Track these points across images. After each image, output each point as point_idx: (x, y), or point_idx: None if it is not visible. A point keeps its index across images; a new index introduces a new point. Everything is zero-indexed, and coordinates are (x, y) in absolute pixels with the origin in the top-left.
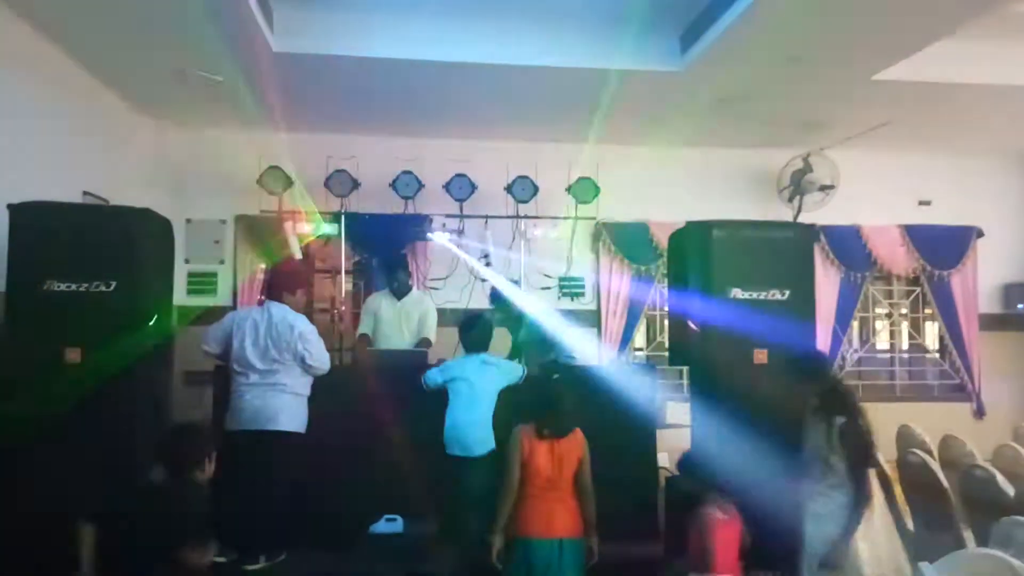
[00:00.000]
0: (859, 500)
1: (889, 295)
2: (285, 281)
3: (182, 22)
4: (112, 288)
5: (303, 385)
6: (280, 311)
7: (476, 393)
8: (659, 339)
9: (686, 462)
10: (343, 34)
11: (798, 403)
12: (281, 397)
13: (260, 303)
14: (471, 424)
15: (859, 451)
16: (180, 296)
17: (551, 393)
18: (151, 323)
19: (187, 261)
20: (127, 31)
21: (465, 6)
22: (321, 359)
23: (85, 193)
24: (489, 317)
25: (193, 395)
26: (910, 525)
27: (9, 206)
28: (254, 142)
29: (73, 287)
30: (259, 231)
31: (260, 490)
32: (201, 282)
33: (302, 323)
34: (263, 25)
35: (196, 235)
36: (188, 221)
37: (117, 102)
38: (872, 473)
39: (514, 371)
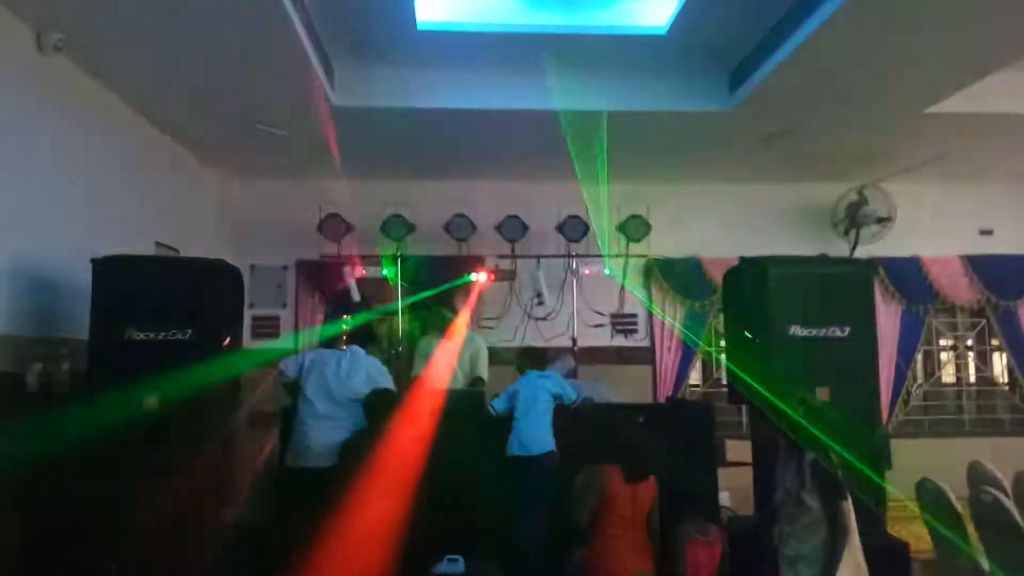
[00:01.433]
0: (837, 536)
1: (953, 327)
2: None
3: (249, 80)
4: (188, 336)
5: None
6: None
7: (536, 398)
8: (715, 375)
9: None
10: (398, 87)
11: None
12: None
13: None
14: (530, 424)
15: (832, 485)
16: (245, 339)
17: (636, 437)
18: (223, 368)
19: (251, 305)
20: (196, 88)
21: (516, 57)
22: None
23: (158, 244)
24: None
25: (258, 435)
26: (985, 566)
27: (92, 260)
28: (313, 190)
29: (151, 335)
30: (319, 275)
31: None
32: (265, 326)
33: (374, 364)
34: (324, 81)
35: (260, 281)
36: (252, 267)
37: (186, 156)
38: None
39: (566, 384)
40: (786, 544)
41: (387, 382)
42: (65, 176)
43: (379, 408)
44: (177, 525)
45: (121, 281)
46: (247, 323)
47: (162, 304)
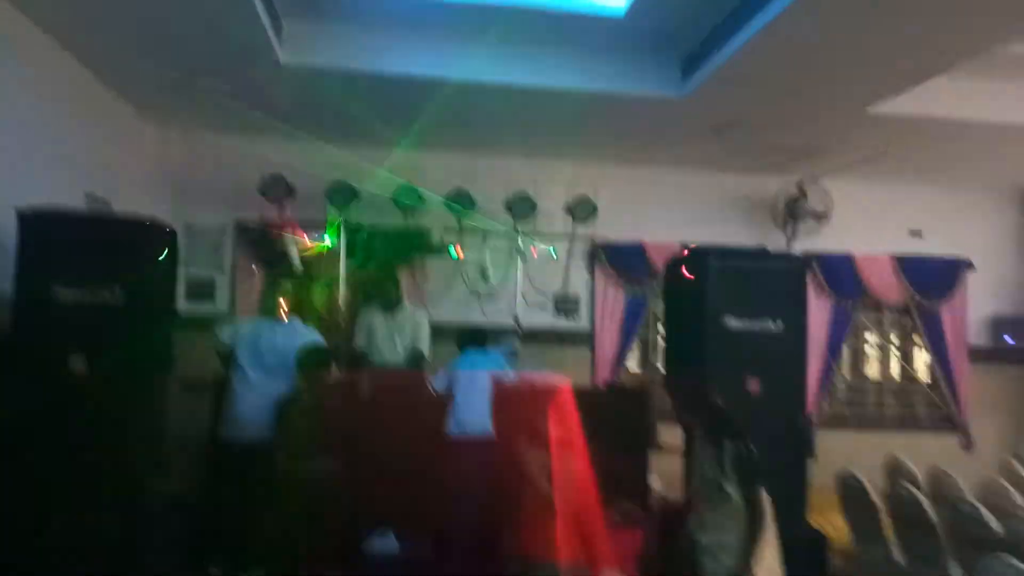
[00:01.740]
0: (758, 525)
1: (879, 324)
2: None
3: (191, 30)
4: (118, 296)
5: None
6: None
7: (474, 377)
8: (652, 360)
9: None
10: (348, 48)
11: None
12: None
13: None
14: (470, 404)
15: (751, 474)
16: (180, 302)
17: None
18: (154, 331)
19: (186, 266)
20: (135, 37)
21: (469, 26)
22: None
23: (88, 195)
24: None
25: (190, 402)
26: (898, 558)
27: (18, 212)
28: (257, 150)
29: (80, 295)
30: (259, 240)
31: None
32: (200, 289)
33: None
34: (272, 37)
35: (196, 241)
36: (188, 226)
37: (123, 107)
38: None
39: (505, 365)
40: (705, 532)
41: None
42: None
43: (310, 364)
44: (105, 495)
45: (50, 235)
46: (181, 286)
47: (93, 262)
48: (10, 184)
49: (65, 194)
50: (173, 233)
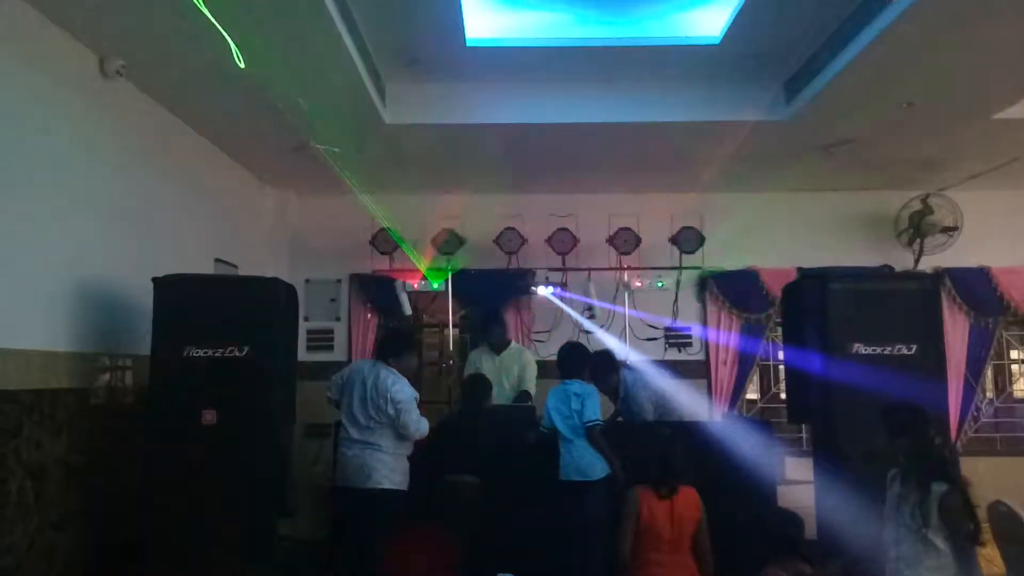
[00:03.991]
0: None
1: None
2: (391, 346)
3: (303, 99)
4: (244, 353)
5: (401, 445)
6: (385, 373)
7: (571, 416)
8: (774, 390)
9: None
10: (448, 104)
11: None
12: (377, 455)
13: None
14: (582, 446)
15: (967, 527)
16: (300, 352)
17: (662, 449)
18: (278, 382)
19: (306, 319)
20: (254, 111)
21: (566, 70)
22: (416, 427)
23: (217, 260)
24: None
25: (312, 447)
26: None
27: (153, 279)
28: (366, 206)
29: (210, 352)
30: (372, 289)
31: (363, 546)
32: (319, 339)
33: (398, 390)
34: (376, 100)
35: (314, 295)
36: (307, 281)
37: (245, 174)
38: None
39: (586, 400)
40: None
41: (409, 406)
42: (127, 197)
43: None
44: (237, 540)
45: (181, 299)
46: (302, 336)
47: (220, 321)
48: (146, 257)
49: (197, 262)
50: (292, 289)
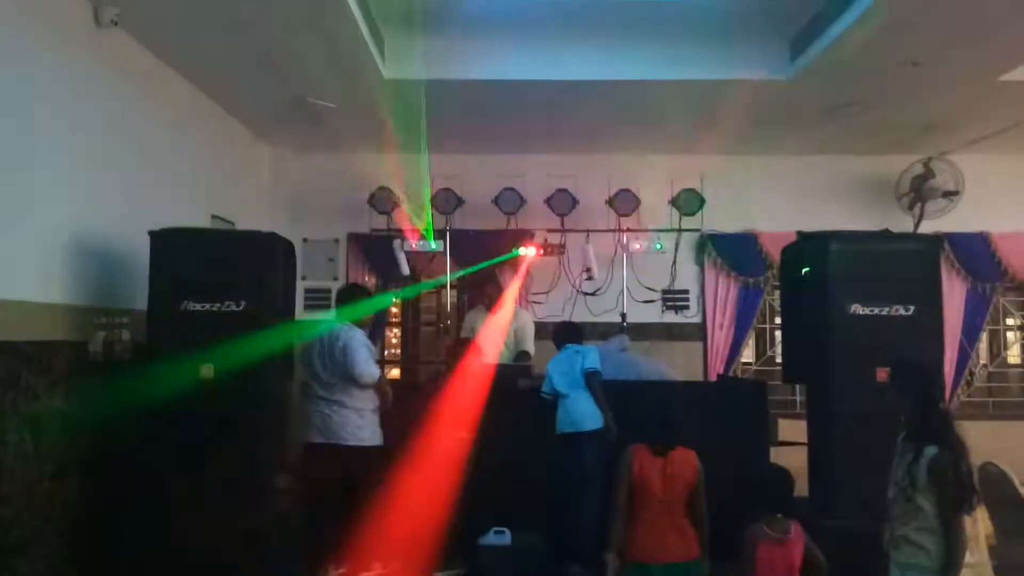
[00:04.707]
0: (952, 554)
1: (1022, 307)
2: (343, 299)
3: (300, 54)
4: (242, 307)
5: (364, 400)
6: (338, 326)
7: (574, 374)
8: (770, 353)
9: None
10: (450, 59)
11: None
12: (342, 412)
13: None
14: (578, 400)
15: (951, 492)
16: (298, 311)
17: (661, 407)
18: (276, 339)
19: (303, 278)
20: (252, 65)
21: (566, 25)
22: (362, 368)
23: (214, 216)
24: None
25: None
26: None
27: (150, 233)
28: (365, 164)
29: (207, 307)
30: (370, 249)
31: (339, 501)
32: (317, 298)
33: (349, 337)
34: (375, 54)
35: (312, 254)
36: (304, 240)
37: (242, 130)
38: (969, 521)
39: (597, 362)
40: (901, 551)
41: (356, 345)
42: (123, 149)
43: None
44: (232, 489)
45: (178, 253)
46: (299, 295)
47: (218, 275)
48: (142, 211)
49: (193, 217)
50: (290, 245)
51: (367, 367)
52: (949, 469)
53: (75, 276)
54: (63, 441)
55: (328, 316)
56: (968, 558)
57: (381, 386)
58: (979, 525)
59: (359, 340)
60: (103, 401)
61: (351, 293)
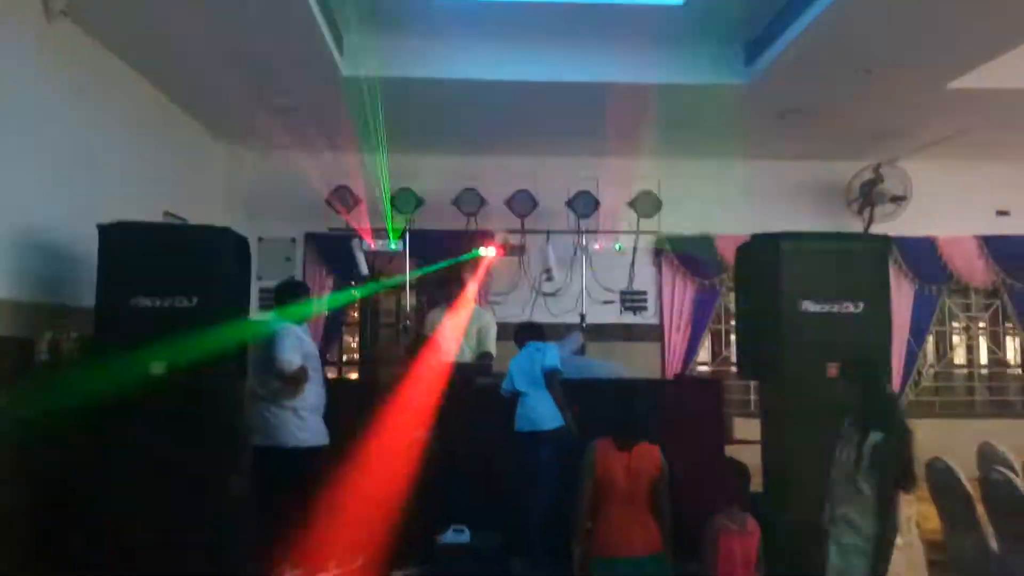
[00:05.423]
0: (884, 532)
1: (967, 308)
2: (277, 298)
3: (257, 48)
4: (194, 303)
5: (303, 400)
6: (273, 326)
7: (535, 372)
8: (724, 354)
9: None
10: (409, 58)
11: None
12: (279, 414)
13: None
14: (537, 399)
15: (892, 476)
16: (253, 311)
17: (626, 402)
18: (228, 338)
19: (259, 278)
20: (205, 58)
21: (525, 27)
22: (281, 354)
23: (166, 213)
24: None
25: None
26: (993, 545)
27: (99, 226)
28: (322, 163)
29: (157, 303)
30: (328, 248)
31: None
32: (272, 298)
33: (282, 331)
34: (334, 51)
35: (268, 253)
36: (260, 239)
37: (196, 125)
38: (907, 502)
39: (558, 360)
40: (839, 528)
41: (275, 337)
42: (72, 142)
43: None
44: (184, 490)
45: (128, 248)
46: (255, 295)
47: (168, 271)
48: (91, 205)
49: (145, 213)
50: (244, 241)
51: (285, 354)
52: (893, 455)
53: (20, 272)
54: (8, 442)
55: (268, 317)
56: (898, 540)
57: (295, 374)
58: (913, 507)
59: (287, 331)
60: (49, 400)
61: (291, 291)
